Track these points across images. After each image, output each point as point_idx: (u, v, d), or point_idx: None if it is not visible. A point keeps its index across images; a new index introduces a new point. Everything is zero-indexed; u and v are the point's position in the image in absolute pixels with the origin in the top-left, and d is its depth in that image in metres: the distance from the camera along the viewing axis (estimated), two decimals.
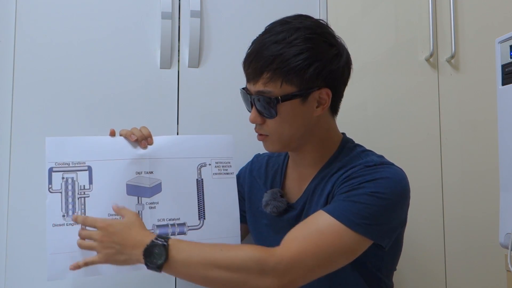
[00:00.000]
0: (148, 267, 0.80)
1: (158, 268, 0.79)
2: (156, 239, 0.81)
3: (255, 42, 0.92)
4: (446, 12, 1.34)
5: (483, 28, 1.35)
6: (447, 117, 1.33)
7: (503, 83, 0.89)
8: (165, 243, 0.80)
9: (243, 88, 0.94)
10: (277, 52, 0.86)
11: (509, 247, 0.83)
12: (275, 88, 0.87)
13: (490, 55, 0.95)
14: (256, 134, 0.95)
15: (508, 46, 0.88)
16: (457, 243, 1.31)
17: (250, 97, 0.91)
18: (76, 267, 0.86)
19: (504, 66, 0.89)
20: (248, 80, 0.92)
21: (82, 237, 0.87)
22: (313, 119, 0.92)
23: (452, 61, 1.35)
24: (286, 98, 0.87)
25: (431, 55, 1.32)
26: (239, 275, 0.78)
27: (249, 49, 0.92)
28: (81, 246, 0.87)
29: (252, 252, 0.80)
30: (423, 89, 1.33)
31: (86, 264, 0.86)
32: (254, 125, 0.94)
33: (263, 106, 0.89)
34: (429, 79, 1.34)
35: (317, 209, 0.91)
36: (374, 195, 0.83)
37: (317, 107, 0.90)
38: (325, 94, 0.90)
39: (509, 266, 0.81)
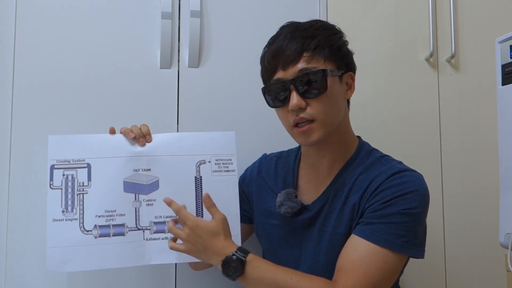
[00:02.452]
0: (224, 275, 0.87)
1: (233, 279, 0.86)
2: (236, 251, 0.86)
3: (277, 37, 0.93)
4: (446, 12, 1.35)
5: (483, 28, 1.35)
6: (447, 117, 1.33)
7: (503, 83, 0.89)
8: (243, 258, 0.86)
9: (275, 80, 0.90)
10: (312, 33, 0.89)
11: (509, 247, 0.83)
12: (318, 64, 0.88)
13: (490, 55, 0.95)
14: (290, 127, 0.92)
15: (508, 46, 0.88)
16: (457, 243, 1.31)
17: (289, 82, 0.88)
18: (170, 247, 0.93)
19: (504, 66, 0.89)
20: (283, 67, 0.89)
21: (172, 233, 0.93)
22: (345, 104, 0.94)
23: (452, 61, 1.35)
24: (332, 73, 0.89)
25: (431, 55, 1.32)
26: None
27: (271, 45, 0.93)
28: (171, 231, 0.93)
29: (318, 287, 0.84)
30: (423, 89, 1.33)
31: (172, 248, 0.92)
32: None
33: (309, 83, 0.87)
34: (429, 79, 1.34)
35: (341, 217, 0.91)
36: (406, 212, 0.85)
37: (347, 91, 0.94)
38: (351, 78, 0.94)
39: (509, 266, 0.81)
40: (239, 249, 0.87)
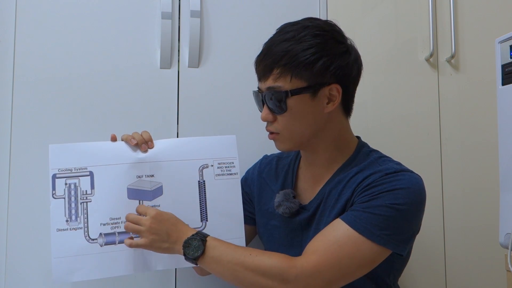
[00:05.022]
0: (186, 258, 0.88)
1: (195, 260, 0.88)
2: (197, 234, 0.89)
3: (266, 43, 0.94)
4: (446, 12, 1.34)
5: (483, 28, 1.35)
6: (447, 117, 1.33)
7: (503, 83, 0.89)
8: (204, 239, 0.88)
9: (257, 88, 0.95)
10: (286, 48, 0.88)
11: (509, 247, 0.83)
12: (285, 83, 0.89)
13: (490, 55, 0.95)
14: (267, 134, 0.96)
15: (508, 46, 0.88)
16: (457, 243, 1.31)
17: (261, 95, 0.92)
18: (128, 245, 0.92)
19: (504, 66, 0.89)
20: (259, 79, 0.94)
21: (130, 220, 0.93)
22: (324, 117, 0.92)
23: (452, 61, 1.35)
24: (296, 92, 0.89)
25: (431, 55, 1.32)
26: (264, 280, 0.85)
27: (260, 51, 0.94)
28: (128, 228, 0.92)
29: (277, 261, 0.85)
30: (423, 89, 1.33)
31: (131, 246, 0.91)
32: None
33: (273, 102, 0.90)
34: (429, 79, 1.34)
35: (332, 213, 0.91)
36: (393, 207, 0.85)
37: (327, 103, 0.91)
38: (335, 90, 0.91)
39: (509, 266, 0.81)
40: (200, 232, 0.90)
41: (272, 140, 0.97)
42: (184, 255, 0.88)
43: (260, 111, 0.95)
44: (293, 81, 0.88)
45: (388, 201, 0.85)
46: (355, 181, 0.91)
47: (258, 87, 0.94)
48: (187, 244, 0.87)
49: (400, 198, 0.85)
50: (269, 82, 0.90)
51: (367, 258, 0.85)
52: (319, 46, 0.88)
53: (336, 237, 0.84)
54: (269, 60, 0.90)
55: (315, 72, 0.88)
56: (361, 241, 0.83)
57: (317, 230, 0.93)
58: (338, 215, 0.90)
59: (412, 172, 0.91)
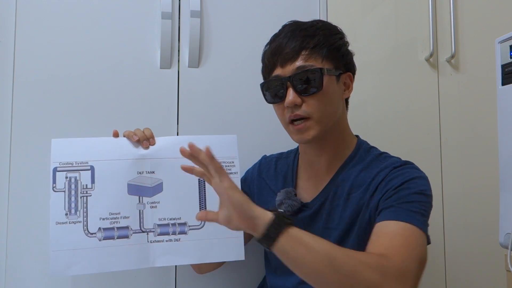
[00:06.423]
0: (274, 224, 0.73)
1: (279, 232, 0.73)
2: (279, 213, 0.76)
3: (278, 35, 0.94)
4: (446, 12, 1.35)
5: (483, 28, 1.36)
6: (447, 117, 1.33)
7: (503, 83, 0.89)
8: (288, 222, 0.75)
9: (273, 76, 0.92)
10: (312, 32, 0.91)
11: (509, 247, 0.83)
12: (316, 63, 0.89)
13: (490, 55, 0.95)
14: (287, 124, 0.91)
15: (508, 46, 0.88)
16: (457, 243, 1.31)
17: (287, 79, 0.89)
18: (203, 217, 0.82)
19: (504, 66, 0.89)
20: (281, 64, 0.90)
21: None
22: (342, 104, 0.95)
23: (452, 61, 1.35)
24: (329, 72, 0.90)
25: (431, 55, 1.32)
26: (365, 270, 0.72)
27: (272, 42, 0.94)
28: (217, 169, 0.78)
29: (371, 254, 0.77)
30: (423, 89, 1.33)
31: (207, 218, 0.81)
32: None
33: (306, 81, 0.88)
34: (429, 79, 1.34)
35: (345, 214, 0.91)
36: (422, 193, 0.86)
37: (344, 90, 0.95)
38: (349, 79, 0.96)
39: (509, 266, 0.81)
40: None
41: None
42: (276, 218, 0.74)
43: (270, 102, 0.94)
44: (324, 62, 0.90)
45: (415, 189, 0.85)
46: (362, 181, 0.91)
47: (277, 74, 0.91)
48: (279, 216, 0.74)
49: (422, 185, 0.87)
50: (299, 63, 0.89)
51: (424, 247, 0.81)
52: (341, 34, 0.95)
53: (394, 232, 0.80)
54: (297, 42, 0.89)
55: (339, 56, 0.92)
56: (414, 230, 0.80)
57: (327, 229, 0.93)
58: (349, 217, 0.91)
59: (414, 164, 0.93)
